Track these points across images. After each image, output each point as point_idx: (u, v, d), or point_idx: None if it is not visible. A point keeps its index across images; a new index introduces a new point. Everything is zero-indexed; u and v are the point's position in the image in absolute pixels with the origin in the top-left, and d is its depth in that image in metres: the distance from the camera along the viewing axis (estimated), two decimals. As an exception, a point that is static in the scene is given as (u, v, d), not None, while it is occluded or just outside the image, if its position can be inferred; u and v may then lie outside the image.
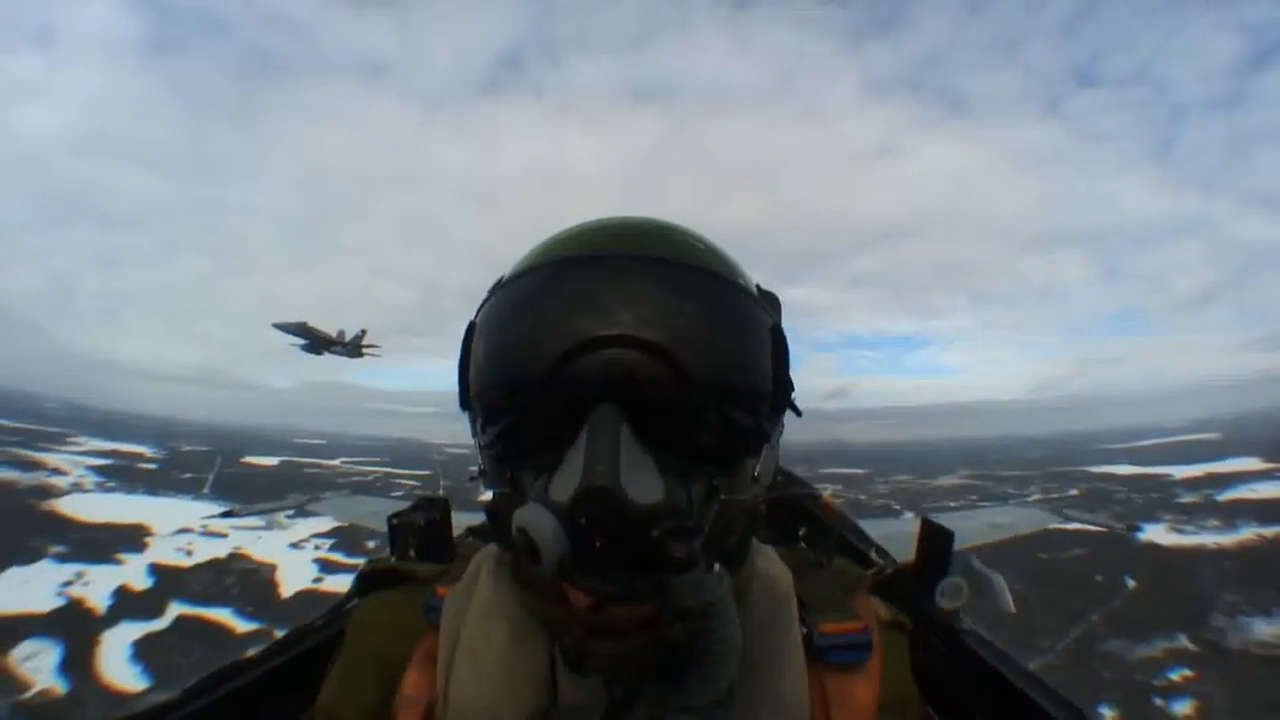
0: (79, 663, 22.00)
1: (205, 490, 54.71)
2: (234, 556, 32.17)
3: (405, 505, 1.77)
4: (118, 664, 22.13)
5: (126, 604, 27.23)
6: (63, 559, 30.82)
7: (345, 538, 32.25)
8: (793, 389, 0.76)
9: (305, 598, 25.86)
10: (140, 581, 29.56)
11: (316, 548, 32.45)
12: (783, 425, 0.77)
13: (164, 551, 33.06)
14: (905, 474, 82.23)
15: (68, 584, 28.33)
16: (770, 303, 0.79)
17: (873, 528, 2.21)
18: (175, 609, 26.87)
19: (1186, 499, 52.33)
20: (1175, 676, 22.03)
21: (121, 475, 60.55)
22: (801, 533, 2.33)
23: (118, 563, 31.37)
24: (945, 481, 75.24)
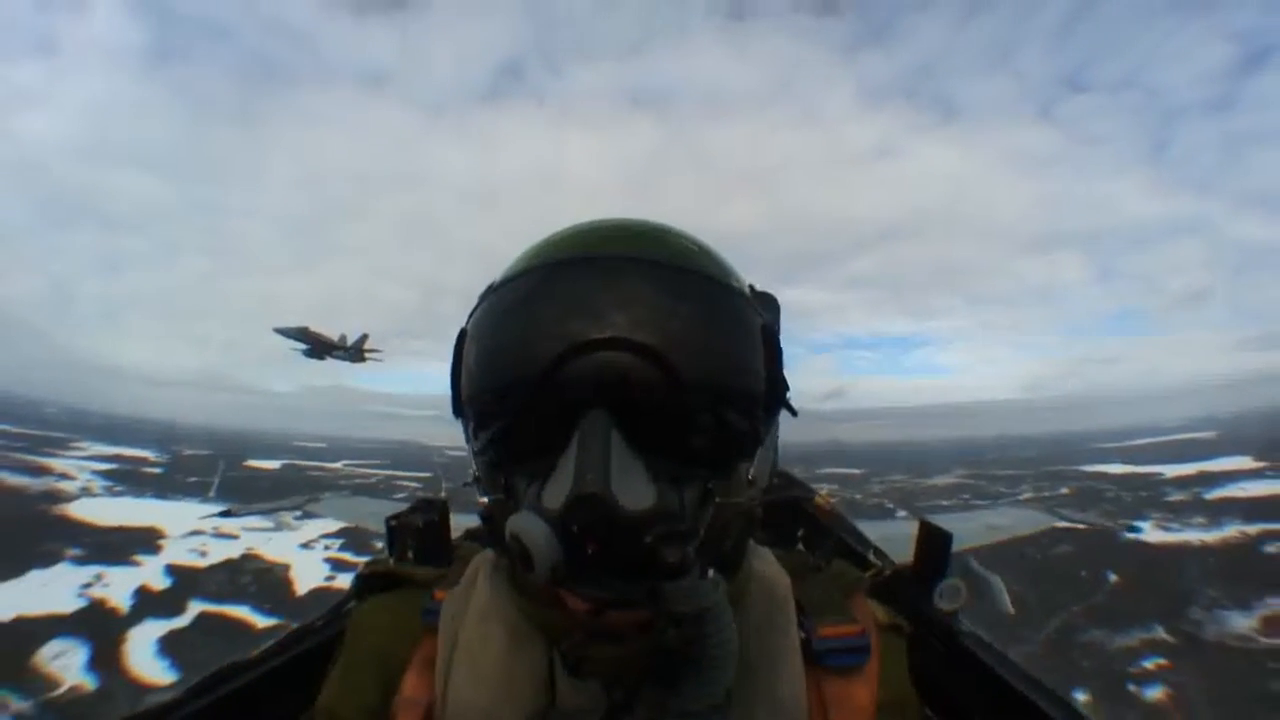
0: (107, 659, 22.75)
1: (212, 494, 55.04)
2: (247, 557, 32.90)
3: (403, 507, 1.77)
4: (145, 659, 22.88)
5: (148, 603, 27.96)
6: (80, 562, 31.54)
7: (354, 538, 32.95)
8: (787, 389, 0.77)
9: (319, 595, 26.62)
10: (158, 582, 30.29)
11: (326, 548, 33.19)
12: (777, 426, 0.80)
13: (178, 553, 33.76)
14: (901, 474, 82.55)
15: (88, 585, 29.05)
16: (767, 304, 0.82)
17: (871, 529, 2.25)
18: (196, 607, 27.62)
19: (1175, 497, 52.82)
20: (1150, 665, 22.86)
21: (128, 479, 60.75)
22: (800, 535, 2.34)
23: (135, 564, 32.08)
24: (940, 481, 75.56)
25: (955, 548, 1.49)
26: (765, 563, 0.83)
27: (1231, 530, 39.45)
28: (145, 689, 20.04)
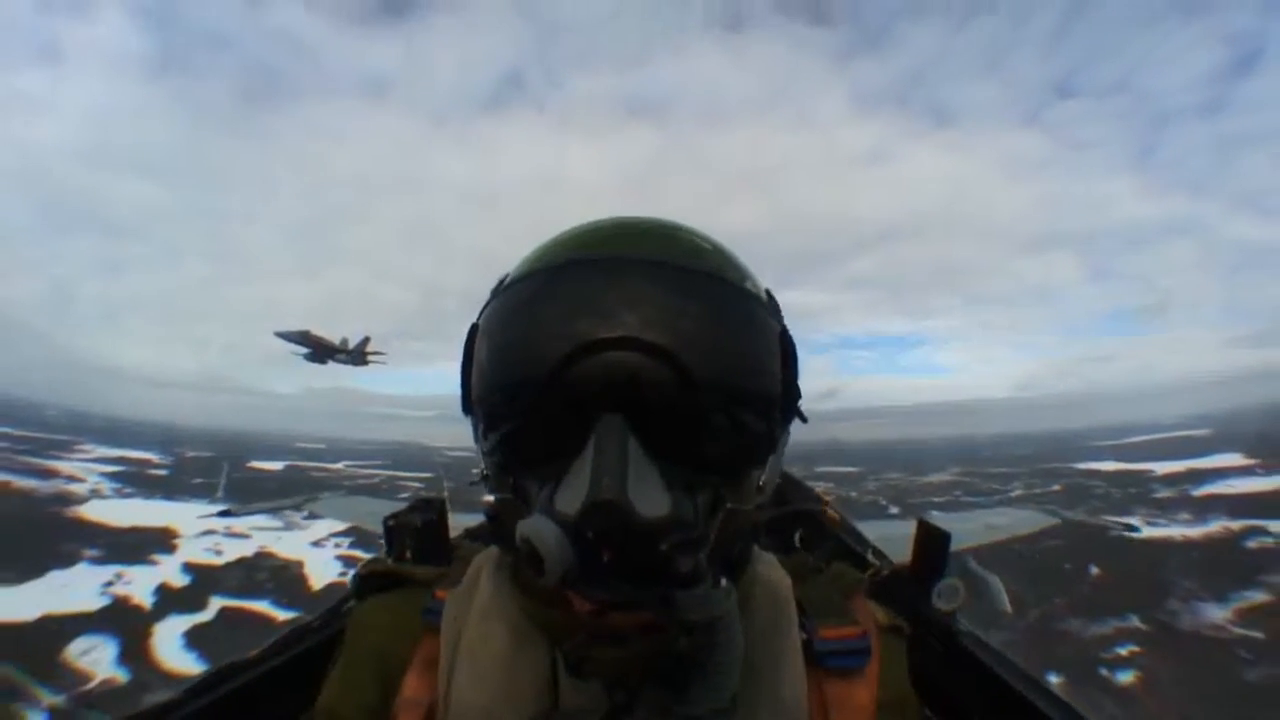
0: (135, 654, 23.49)
1: (219, 495, 55.12)
2: (260, 555, 33.60)
3: (401, 506, 1.75)
4: (173, 652, 23.60)
5: (169, 600, 28.70)
6: (98, 562, 32.31)
7: (363, 536, 33.51)
8: (799, 396, 0.75)
9: (334, 590, 27.28)
10: (178, 579, 31.04)
11: (336, 545, 33.78)
12: (789, 434, 0.78)
13: (194, 552, 34.51)
14: (897, 472, 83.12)
15: (109, 584, 29.84)
16: (772, 305, 0.79)
17: (870, 529, 2.25)
18: (217, 602, 28.32)
19: (1163, 494, 53.56)
20: (1123, 652, 23.63)
21: (135, 481, 61.27)
22: (798, 536, 2.32)
23: (152, 563, 32.83)
24: (935, 479, 76.22)
25: (954, 547, 1.50)
26: (768, 565, 0.82)
27: (1216, 526, 40.21)
28: (177, 679, 20.56)
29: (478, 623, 0.76)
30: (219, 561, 33.73)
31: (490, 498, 0.74)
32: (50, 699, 19.86)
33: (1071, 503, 46.07)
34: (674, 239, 0.74)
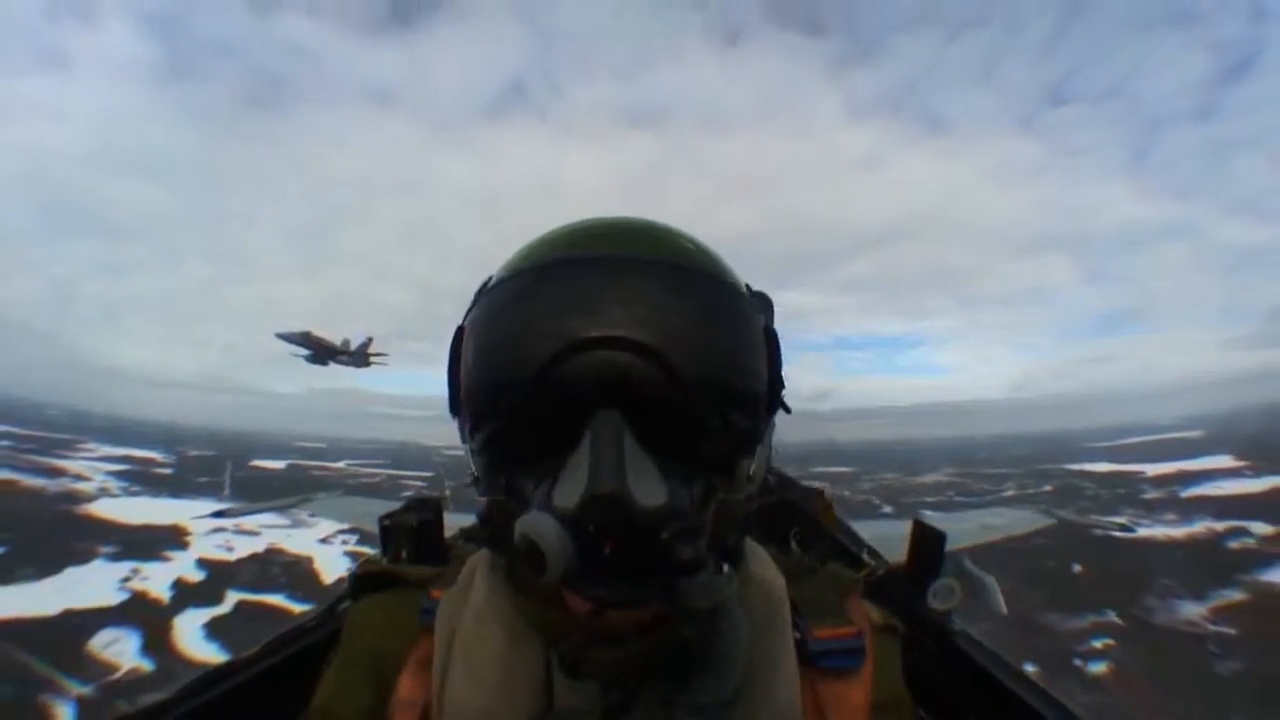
0: (158, 645, 24.26)
1: (225, 493, 55.88)
2: (271, 551, 34.43)
3: (395, 505, 1.72)
4: (195, 643, 24.36)
5: (187, 594, 29.49)
6: (113, 558, 33.01)
7: (368, 534, 34.38)
8: (783, 387, 0.76)
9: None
10: (193, 575, 31.87)
11: (344, 542, 34.34)
12: (774, 424, 0.78)
13: (206, 548, 35.21)
14: (892, 472, 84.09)
15: (126, 580, 30.58)
16: (761, 302, 0.79)
17: (866, 529, 2.25)
18: (233, 596, 29.16)
19: (1151, 495, 54.46)
20: (1098, 644, 24.62)
21: (141, 480, 61.82)
22: (794, 535, 2.28)
23: (166, 559, 33.57)
24: (929, 479, 77.04)
25: (949, 547, 1.49)
26: (762, 565, 0.82)
27: (1200, 527, 41.02)
28: (203, 668, 21.33)
29: (472, 623, 0.76)
30: (231, 557, 34.53)
31: (482, 499, 0.75)
32: (78, 689, 20.68)
33: (1061, 503, 46.75)
34: (659, 238, 0.74)
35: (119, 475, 62.90)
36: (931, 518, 1.68)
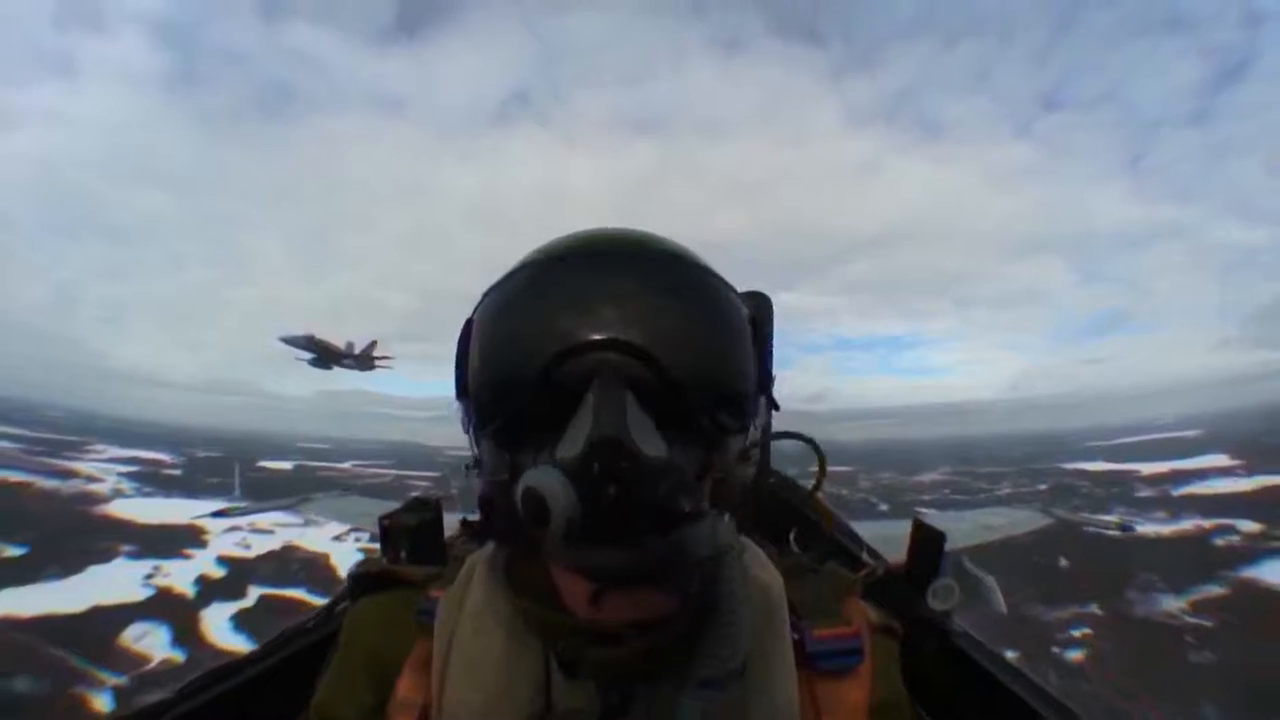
0: (187, 637, 25.28)
1: (236, 493, 56.07)
2: (288, 548, 35.41)
3: (391, 505, 1.71)
4: (223, 635, 25.37)
5: (211, 589, 30.56)
6: (134, 556, 34.05)
7: (377, 533, 35.32)
8: (772, 380, 0.79)
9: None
10: (214, 571, 32.93)
11: (357, 540, 35.02)
12: (770, 417, 0.85)
13: (224, 546, 36.27)
14: (890, 471, 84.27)
15: (149, 577, 31.59)
16: (760, 303, 0.87)
17: (866, 529, 2.29)
18: (256, 591, 30.28)
19: (1144, 494, 55.35)
20: (1077, 634, 25.75)
21: (153, 481, 62.70)
22: (793, 535, 2.22)
23: (187, 557, 34.65)
24: (926, 478, 77.54)
25: (949, 546, 1.50)
26: (760, 565, 0.81)
27: (1189, 524, 41.91)
28: (234, 657, 22.64)
29: (471, 623, 0.76)
30: (250, 554, 35.62)
31: (480, 480, 0.77)
32: (113, 680, 21.76)
33: (1055, 501, 47.17)
34: (651, 243, 0.77)
35: (130, 476, 63.70)
36: (931, 517, 1.58)
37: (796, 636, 0.77)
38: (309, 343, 57.77)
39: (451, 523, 1.80)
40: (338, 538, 36.55)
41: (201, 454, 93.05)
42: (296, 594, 29.18)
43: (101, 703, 20.33)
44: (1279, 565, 32.25)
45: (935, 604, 1.46)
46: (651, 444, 0.59)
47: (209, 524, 38.74)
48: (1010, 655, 1.40)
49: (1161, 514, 46.12)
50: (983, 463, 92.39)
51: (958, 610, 1.49)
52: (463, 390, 0.78)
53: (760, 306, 0.93)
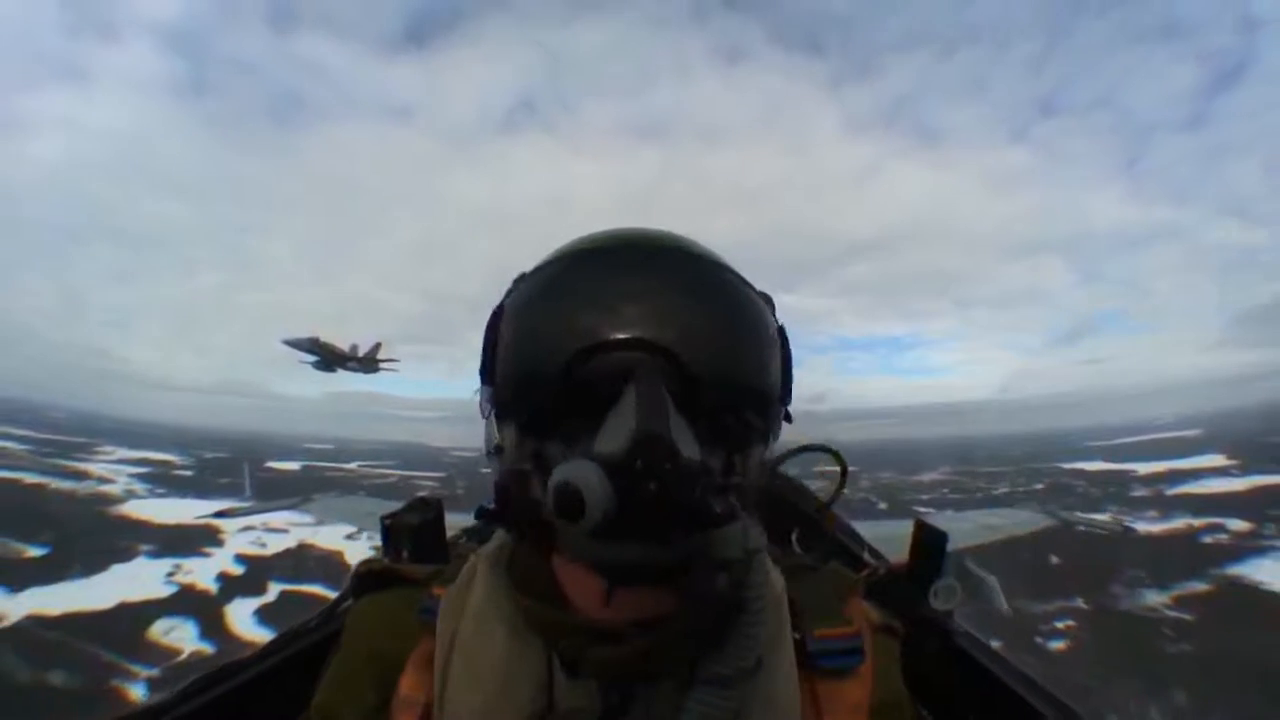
0: (215, 630, 26.26)
1: (248, 494, 56.14)
2: (302, 546, 36.22)
3: (393, 506, 1.73)
4: (249, 627, 26.38)
5: (232, 585, 31.55)
6: (154, 555, 35.04)
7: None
8: (791, 393, 0.79)
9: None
10: (233, 569, 33.94)
11: (369, 538, 36.39)
12: (781, 426, 0.79)
13: (240, 545, 37.20)
14: (891, 471, 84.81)
15: (171, 574, 32.57)
16: (765, 303, 0.80)
17: (868, 529, 2.29)
18: (276, 586, 31.23)
19: (1138, 493, 56.24)
20: (1060, 625, 26.69)
21: (164, 481, 63.50)
22: (795, 535, 2.28)
23: (205, 555, 35.62)
24: (926, 478, 78.22)
25: (950, 547, 1.50)
26: (765, 565, 0.77)
27: (1180, 523, 42.70)
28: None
29: (473, 622, 0.75)
30: (267, 552, 36.54)
31: (498, 468, 0.76)
32: (146, 672, 22.77)
33: (1051, 500, 47.56)
34: (683, 247, 0.76)
35: (142, 478, 64.67)
36: (932, 518, 1.61)
37: (798, 636, 0.77)
38: (313, 345, 57.10)
39: (453, 522, 1.78)
40: (350, 536, 37.32)
41: (209, 455, 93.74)
42: (314, 589, 29.92)
43: (136, 694, 21.26)
44: (1264, 563, 33.14)
45: (937, 604, 1.46)
46: (687, 444, 0.59)
47: (224, 523, 39.14)
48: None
49: (1153, 513, 46.81)
50: (983, 462, 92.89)
51: (957, 610, 1.50)
52: (488, 376, 0.77)
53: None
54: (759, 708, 0.68)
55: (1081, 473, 74.21)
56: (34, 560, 32.77)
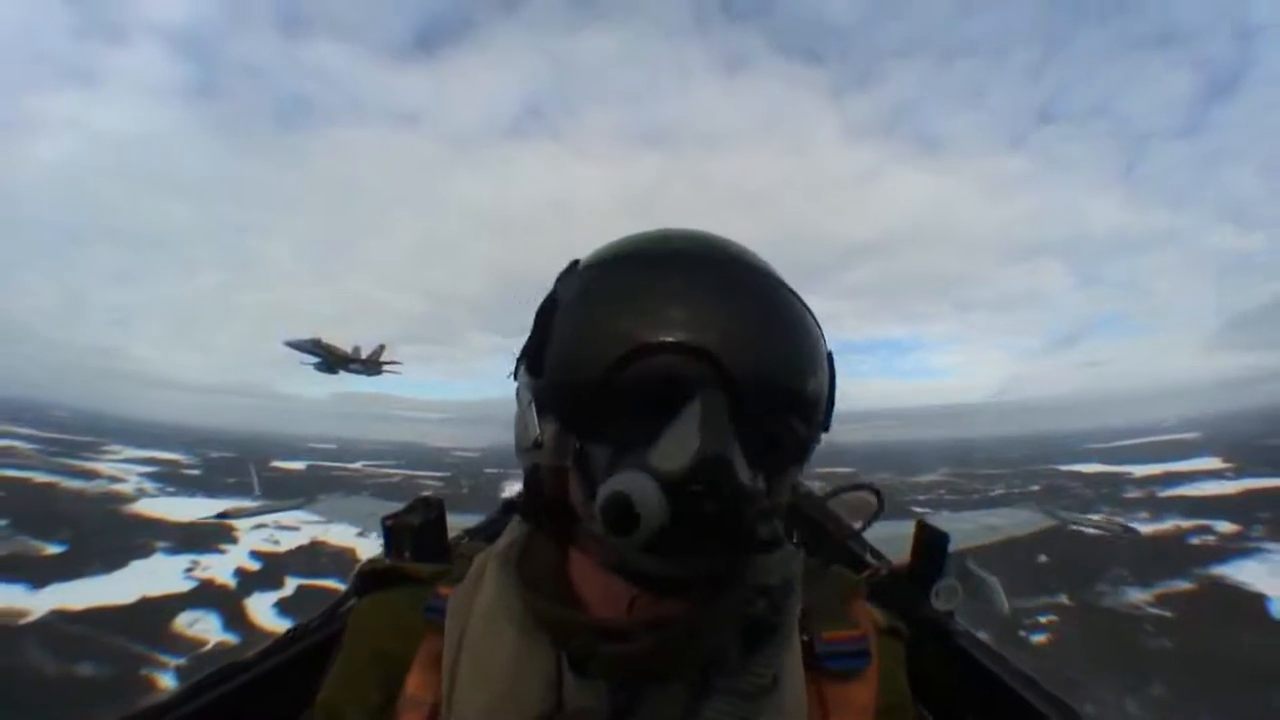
0: (238, 622, 27.05)
1: (256, 493, 55.42)
2: (315, 543, 36.55)
3: (397, 506, 1.72)
4: (270, 619, 27.08)
5: (251, 580, 32.36)
6: (171, 552, 35.79)
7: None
8: (830, 424, 0.77)
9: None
10: (249, 565, 34.76)
11: (377, 537, 36.74)
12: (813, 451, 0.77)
13: (255, 542, 37.96)
14: (889, 472, 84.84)
15: (189, 570, 33.38)
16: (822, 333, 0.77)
17: (870, 530, 3.31)
18: (293, 581, 31.95)
19: (1131, 494, 56.81)
20: (1043, 620, 27.47)
21: (174, 480, 64.10)
22: (795, 536, 2.25)
23: (221, 552, 36.42)
24: (924, 479, 78.55)
25: (952, 547, 1.50)
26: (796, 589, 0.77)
27: (1169, 524, 43.30)
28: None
29: (481, 621, 0.75)
30: (280, 549, 37.30)
31: (536, 463, 0.75)
32: (174, 662, 23.62)
33: (1046, 502, 48.24)
34: (755, 262, 0.75)
35: (151, 477, 65.25)
36: (932, 519, 1.67)
37: (805, 638, 0.77)
38: (315, 346, 56.73)
39: (455, 523, 1.77)
40: (361, 533, 38.09)
41: (215, 454, 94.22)
42: (330, 584, 30.15)
43: (166, 682, 22.15)
44: (1247, 564, 33.83)
45: (939, 604, 1.47)
46: (742, 467, 0.58)
47: (237, 521, 39.49)
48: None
49: (1144, 514, 47.39)
50: (981, 464, 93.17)
51: (958, 610, 1.50)
52: (533, 366, 0.74)
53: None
54: (766, 710, 0.68)
55: (1077, 475, 74.59)
56: (53, 558, 33.43)
